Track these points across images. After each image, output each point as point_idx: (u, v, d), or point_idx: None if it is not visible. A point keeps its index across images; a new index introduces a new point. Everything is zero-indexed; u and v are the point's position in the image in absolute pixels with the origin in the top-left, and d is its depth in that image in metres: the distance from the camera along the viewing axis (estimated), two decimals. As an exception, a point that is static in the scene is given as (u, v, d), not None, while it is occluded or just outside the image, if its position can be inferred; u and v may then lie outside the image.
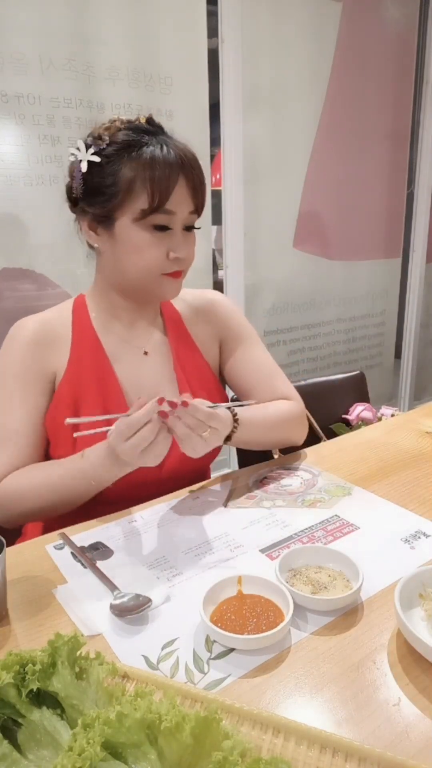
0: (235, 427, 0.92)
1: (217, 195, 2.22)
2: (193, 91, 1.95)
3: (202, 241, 2.08)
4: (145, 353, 1.02)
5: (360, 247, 2.69)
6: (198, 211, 0.92)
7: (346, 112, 2.43)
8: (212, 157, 2.31)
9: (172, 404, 0.76)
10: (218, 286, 2.32)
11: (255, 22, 2.07)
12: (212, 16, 1.97)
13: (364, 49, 2.43)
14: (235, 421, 0.92)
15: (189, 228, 0.92)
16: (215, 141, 2.10)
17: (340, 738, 0.47)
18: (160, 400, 0.76)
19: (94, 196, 0.89)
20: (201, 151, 1.77)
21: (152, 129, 0.89)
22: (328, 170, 2.44)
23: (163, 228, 0.88)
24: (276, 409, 1.04)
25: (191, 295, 1.12)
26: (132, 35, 1.79)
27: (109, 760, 0.42)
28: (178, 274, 0.93)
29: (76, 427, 0.89)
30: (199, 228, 0.94)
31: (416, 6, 2.58)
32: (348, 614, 0.64)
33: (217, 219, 2.28)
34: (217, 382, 1.11)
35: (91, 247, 0.95)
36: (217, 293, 1.15)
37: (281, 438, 1.06)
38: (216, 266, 2.47)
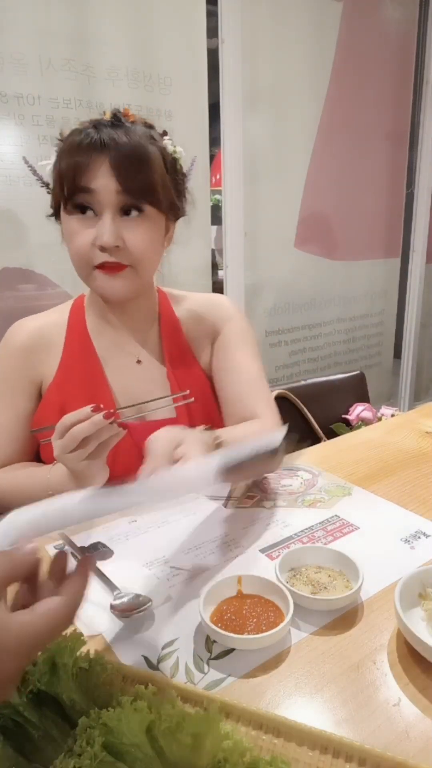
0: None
1: (216, 195, 2.22)
2: (193, 91, 1.95)
3: (202, 241, 2.08)
4: (138, 361, 0.99)
5: (360, 247, 2.69)
6: (131, 193, 0.82)
7: (346, 112, 2.43)
8: (212, 157, 2.31)
9: (107, 415, 0.69)
10: (218, 286, 2.32)
11: (255, 22, 2.07)
12: (212, 16, 1.97)
13: (364, 50, 2.43)
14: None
15: (127, 212, 0.83)
16: (215, 141, 2.10)
17: (340, 738, 0.47)
18: (96, 409, 0.69)
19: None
20: (201, 151, 1.77)
21: (104, 122, 0.84)
22: (328, 170, 2.44)
23: (83, 208, 0.82)
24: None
25: (195, 298, 1.08)
26: (132, 35, 1.79)
27: (109, 760, 0.42)
28: (110, 268, 0.85)
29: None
30: (139, 212, 0.83)
31: (416, 6, 2.58)
32: (348, 614, 0.64)
33: (216, 219, 2.27)
34: (213, 390, 1.06)
35: None
36: (221, 296, 1.11)
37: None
38: (216, 266, 2.47)
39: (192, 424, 0.96)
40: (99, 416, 0.68)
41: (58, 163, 0.86)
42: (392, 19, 2.50)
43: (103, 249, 0.83)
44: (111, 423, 0.69)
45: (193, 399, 0.84)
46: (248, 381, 1.00)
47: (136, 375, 0.99)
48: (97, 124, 0.84)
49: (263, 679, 0.56)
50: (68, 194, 0.83)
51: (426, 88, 2.68)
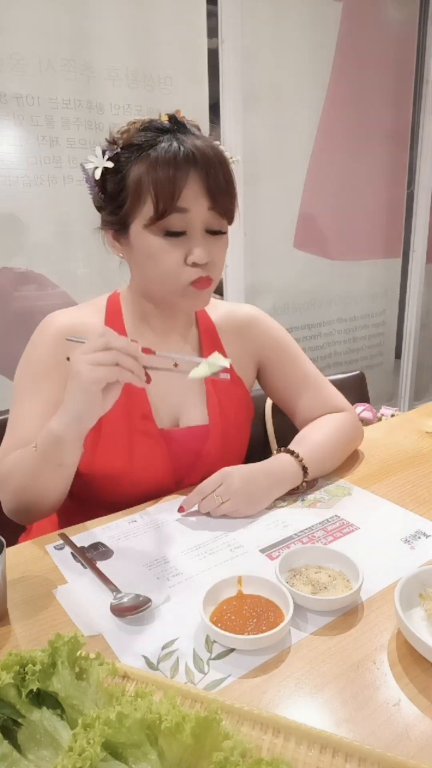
0: (305, 470, 0.92)
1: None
2: (193, 91, 1.95)
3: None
4: (175, 365, 0.99)
5: (360, 247, 2.69)
6: (220, 210, 0.83)
7: (346, 111, 2.43)
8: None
9: (145, 350, 0.75)
10: (217, 285, 2.32)
11: (255, 22, 2.07)
12: (212, 16, 1.97)
13: (364, 49, 2.43)
14: (302, 466, 0.92)
15: (214, 232, 0.84)
16: (215, 141, 2.10)
17: (340, 738, 0.47)
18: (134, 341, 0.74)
19: (110, 203, 0.86)
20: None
21: (169, 126, 0.82)
22: (328, 170, 2.44)
23: (176, 234, 0.82)
24: (332, 431, 1.00)
25: (228, 307, 1.08)
26: (132, 35, 1.79)
27: (109, 761, 0.42)
28: (202, 283, 0.85)
29: (98, 431, 0.89)
30: (224, 233, 0.86)
31: (416, 6, 2.58)
32: (348, 614, 0.64)
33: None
34: (249, 400, 1.07)
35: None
36: (255, 308, 1.10)
37: (344, 456, 1.03)
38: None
39: (224, 429, 0.98)
40: (138, 346, 0.74)
41: (130, 177, 0.82)
42: (392, 18, 2.50)
43: (195, 265, 0.83)
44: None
45: (229, 376, 0.82)
46: (316, 381, 1.08)
47: (173, 379, 0.95)
48: (163, 129, 0.81)
49: (263, 679, 0.56)
50: (162, 214, 0.80)
51: (426, 87, 2.68)
